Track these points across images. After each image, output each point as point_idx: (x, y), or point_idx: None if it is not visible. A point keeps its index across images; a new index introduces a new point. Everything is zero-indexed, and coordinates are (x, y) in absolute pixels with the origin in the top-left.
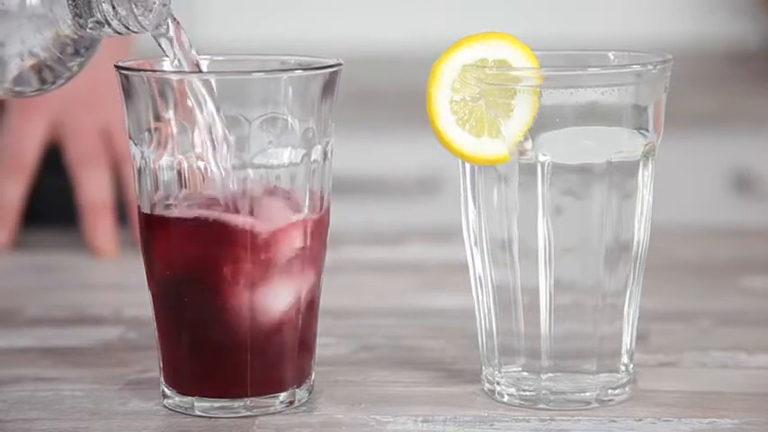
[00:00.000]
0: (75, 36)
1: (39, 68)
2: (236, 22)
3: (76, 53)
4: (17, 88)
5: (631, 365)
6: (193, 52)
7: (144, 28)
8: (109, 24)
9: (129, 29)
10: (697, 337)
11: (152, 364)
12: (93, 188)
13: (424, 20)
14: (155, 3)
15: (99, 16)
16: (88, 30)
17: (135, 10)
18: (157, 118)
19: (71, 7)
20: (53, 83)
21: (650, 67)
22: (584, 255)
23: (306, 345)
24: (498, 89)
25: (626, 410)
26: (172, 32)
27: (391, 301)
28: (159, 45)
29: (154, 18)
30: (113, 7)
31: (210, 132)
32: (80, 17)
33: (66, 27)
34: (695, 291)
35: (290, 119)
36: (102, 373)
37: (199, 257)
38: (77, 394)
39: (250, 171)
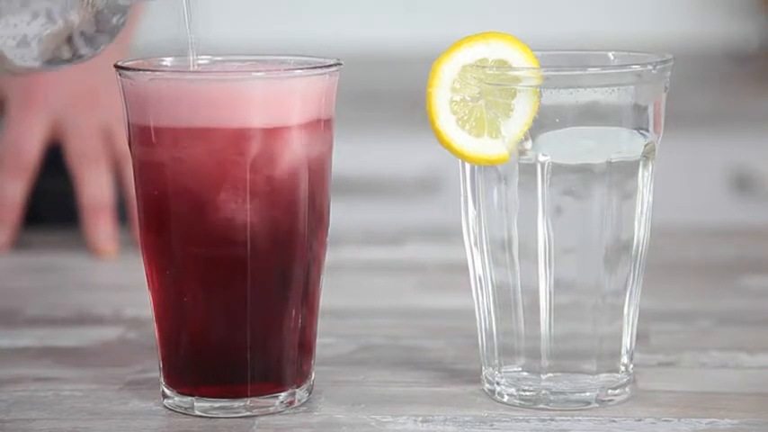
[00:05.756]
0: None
1: (72, 38)
2: (236, 22)
3: (109, 23)
4: (51, 61)
5: (631, 365)
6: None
7: None
8: None
9: None
10: (697, 337)
11: (152, 364)
12: (94, 188)
13: (424, 20)
14: None
15: None
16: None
17: None
18: None
19: None
20: (85, 55)
21: (650, 67)
22: (584, 255)
23: (306, 345)
24: (498, 89)
25: (626, 410)
26: None
27: (391, 301)
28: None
29: None
30: None
31: None
32: None
33: None
34: (695, 291)
35: None
36: (101, 373)
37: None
38: (77, 394)
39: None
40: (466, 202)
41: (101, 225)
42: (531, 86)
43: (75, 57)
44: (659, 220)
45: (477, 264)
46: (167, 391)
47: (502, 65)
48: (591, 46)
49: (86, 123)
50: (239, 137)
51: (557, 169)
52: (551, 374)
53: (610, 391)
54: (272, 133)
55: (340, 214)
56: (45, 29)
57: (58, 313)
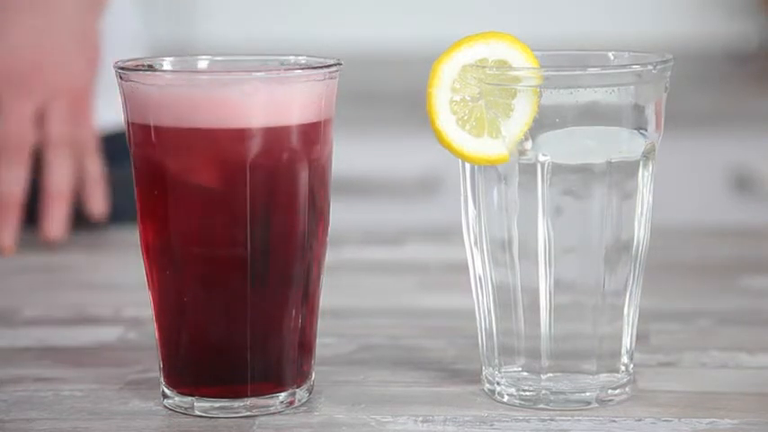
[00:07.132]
0: None
1: None
2: (236, 22)
3: None
4: None
5: (631, 365)
6: None
7: None
8: None
9: None
10: (697, 337)
11: (152, 364)
12: (59, 175)
13: (424, 20)
14: None
15: None
16: None
17: None
18: None
19: None
20: None
21: (650, 67)
22: (584, 255)
23: (306, 345)
24: (498, 89)
25: (626, 410)
26: None
27: (391, 301)
28: None
29: None
30: None
31: None
32: None
33: None
34: (695, 291)
35: None
36: (101, 373)
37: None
38: (77, 394)
39: None
40: (466, 202)
41: (55, 213)
42: (531, 86)
43: None
44: (659, 220)
45: (477, 264)
46: (167, 391)
47: (502, 65)
48: (591, 46)
49: (20, 109)
50: (239, 137)
51: (557, 169)
52: (551, 374)
53: (610, 391)
54: (272, 133)
55: (340, 214)
56: None
57: (58, 313)
